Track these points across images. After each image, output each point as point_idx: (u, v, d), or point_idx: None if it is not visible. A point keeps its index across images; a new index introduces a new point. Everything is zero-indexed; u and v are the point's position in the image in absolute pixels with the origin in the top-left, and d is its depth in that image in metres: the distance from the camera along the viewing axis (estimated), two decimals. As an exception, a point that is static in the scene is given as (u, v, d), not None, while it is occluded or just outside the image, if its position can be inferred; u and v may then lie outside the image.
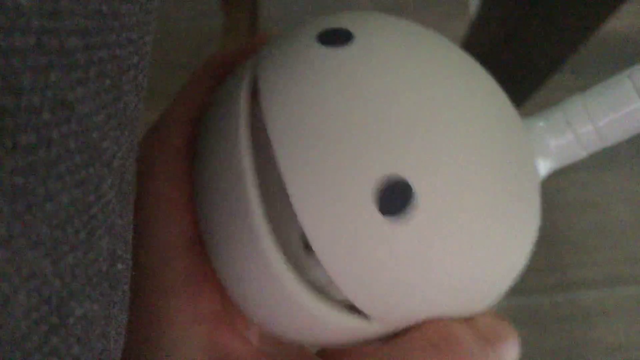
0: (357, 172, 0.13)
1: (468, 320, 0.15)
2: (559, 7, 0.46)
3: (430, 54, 0.15)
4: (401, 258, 0.13)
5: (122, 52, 0.10)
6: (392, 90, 0.14)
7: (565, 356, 0.70)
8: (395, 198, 0.13)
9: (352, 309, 0.14)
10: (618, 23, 0.83)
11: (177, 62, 0.78)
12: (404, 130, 0.13)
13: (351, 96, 0.13)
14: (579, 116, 0.15)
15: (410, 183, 0.13)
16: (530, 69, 0.57)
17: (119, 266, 0.12)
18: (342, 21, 0.15)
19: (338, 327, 0.14)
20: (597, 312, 0.73)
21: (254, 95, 0.15)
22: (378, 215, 0.13)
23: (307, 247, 0.14)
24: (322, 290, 0.14)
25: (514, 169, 0.14)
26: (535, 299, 0.73)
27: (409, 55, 0.14)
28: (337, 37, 0.15)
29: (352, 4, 0.83)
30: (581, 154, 0.16)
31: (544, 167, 0.16)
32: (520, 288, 0.74)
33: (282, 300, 0.14)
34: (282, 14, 0.83)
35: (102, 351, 0.11)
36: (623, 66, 0.16)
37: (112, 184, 0.11)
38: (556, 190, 0.79)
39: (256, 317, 0.16)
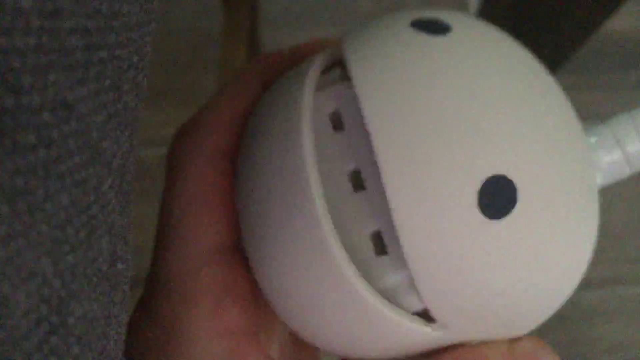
0: (461, 172, 0.12)
1: (509, 343, 0.15)
2: (559, 7, 0.46)
3: (517, 55, 0.14)
4: (493, 259, 0.13)
5: (122, 52, 0.10)
6: (492, 86, 0.13)
7: (565, 356, 0.70)
8: (499, 199, 0.12)
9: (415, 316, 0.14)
10: (618, 23, 0.83)
11: (177, 62, 0.78)
12: (507, 129, 0.13)
13: (455, 90, 0.13)
14: (628, 134, 0.15)
15: (514, 182, 0.12)
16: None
17: (119, 266, 0.12)
18: (436, 14, 0.14)
19: (400, 335, 0.13)
20: (597, 312, 0.73)
21: (316, 92, 0.14)
22: (480, 217, 0.12)
23: (378, 251, 0.13)
24: (389, 297, 0.13)
25: (588, 170, 0.14)
26: (535, 298, 0.73)
27: (502, 53, 0.14)
28: (434, 27, 0.14)
29: (352, 4, 0.83)
30: (626, 171, 0.15)
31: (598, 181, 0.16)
32: (520, 288, 0.74)
33: (350, 307, 0.13)
34: (282, 14, 0.83)
35: (102, 351, 0.11)
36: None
37: (112, 184, 0.11)
38: (556, 190, 0.79)
39: (306, 329, 0.14)
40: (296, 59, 0.17)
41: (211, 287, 0.15)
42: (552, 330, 0.72)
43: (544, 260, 0.13)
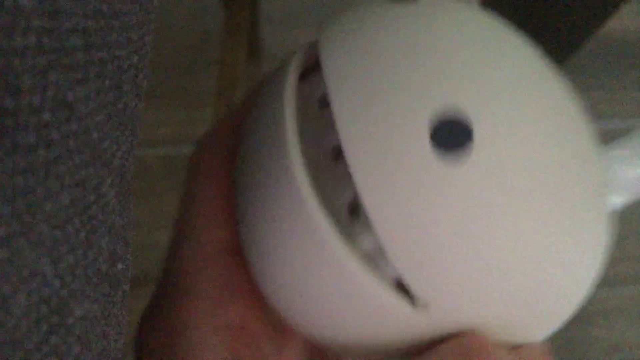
0: (413, 101, 0.12)
1: (513, 349, 0.14)
2: (559, 7, 0.46)
3: (482, 25, 0.14)
4: (456, 203, 0.12)
5: (122, 52, 0.10)
6: (452, 37, 0.13)
7: (565, 355, 0.70)
8: (452, 133, 0.12)
9: (398, 290, 0.13)
10: (618, 23, 0.83)
11: (177, 62, 0.78)
12: (461, 61, 0.12)
13: (410, 38, 0.13)
14: None
15: (468, 117, 0.12)
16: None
17: (119, 266, 0.12)
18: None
19: (382, 308, 0.13)
20: (597, 312, 0.73)
21: (302, 74, 0.15)
22: (433, 153, 0.12)
23: (353, 214, 0.13)
24: (369, 262, 0.13)
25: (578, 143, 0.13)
26: (535, 298, 0.73)
27: (469, 21, 0.14)
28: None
29: (351, 3, 0.84)
30: None
31: (615, 200, 0.15)
32: (520, 288, 0.73)
33: (330, 271, 0.13)
34: (282, 14, 0.83)
35: (102, 351, 0.11)
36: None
37: (112, 184, 0.11)
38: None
39: (290, 306, 0.14)
40: None
41: (213, 285, 0.15)
42: (552, 330, 0.72)
43: (509, 206, 0.12)
